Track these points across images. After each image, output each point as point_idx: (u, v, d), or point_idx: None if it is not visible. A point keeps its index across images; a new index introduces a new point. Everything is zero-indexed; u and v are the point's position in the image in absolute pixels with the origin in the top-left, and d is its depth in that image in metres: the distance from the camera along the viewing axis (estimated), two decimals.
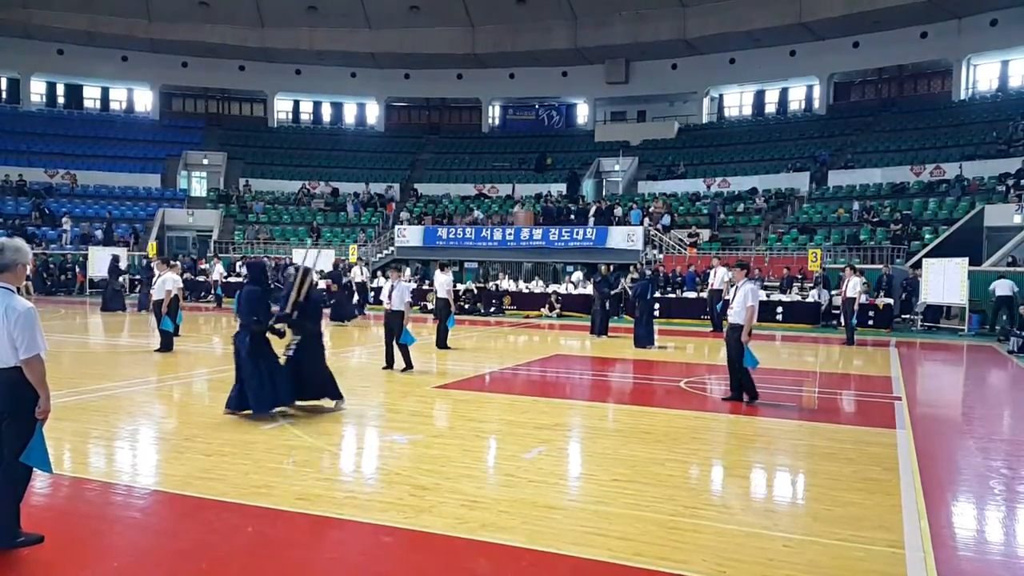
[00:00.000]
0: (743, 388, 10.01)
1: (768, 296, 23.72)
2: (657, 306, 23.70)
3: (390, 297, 12.32)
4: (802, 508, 5.97)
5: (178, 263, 17.89)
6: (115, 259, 25.30)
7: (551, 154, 42.39)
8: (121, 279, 24.81)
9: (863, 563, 4.76)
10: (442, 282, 15.59)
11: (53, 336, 16.82)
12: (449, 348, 15.43)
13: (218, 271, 28.72)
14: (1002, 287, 20.44)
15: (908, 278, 23.57)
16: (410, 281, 26.28)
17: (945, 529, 5.51)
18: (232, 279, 29.78)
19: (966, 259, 21.38)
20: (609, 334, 18.97)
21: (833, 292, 22.60)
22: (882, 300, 22.22)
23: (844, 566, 4.71)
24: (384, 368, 12.36)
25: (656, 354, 15.69)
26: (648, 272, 19.74)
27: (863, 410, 10.23)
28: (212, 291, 27.78)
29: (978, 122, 34.05)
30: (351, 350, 15.82)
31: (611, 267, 22.64)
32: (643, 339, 16.54)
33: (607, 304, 19.52)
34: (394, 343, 12.38)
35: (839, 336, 19.42)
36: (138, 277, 30.91)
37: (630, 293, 19.77)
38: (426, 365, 13.22)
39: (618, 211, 31.92)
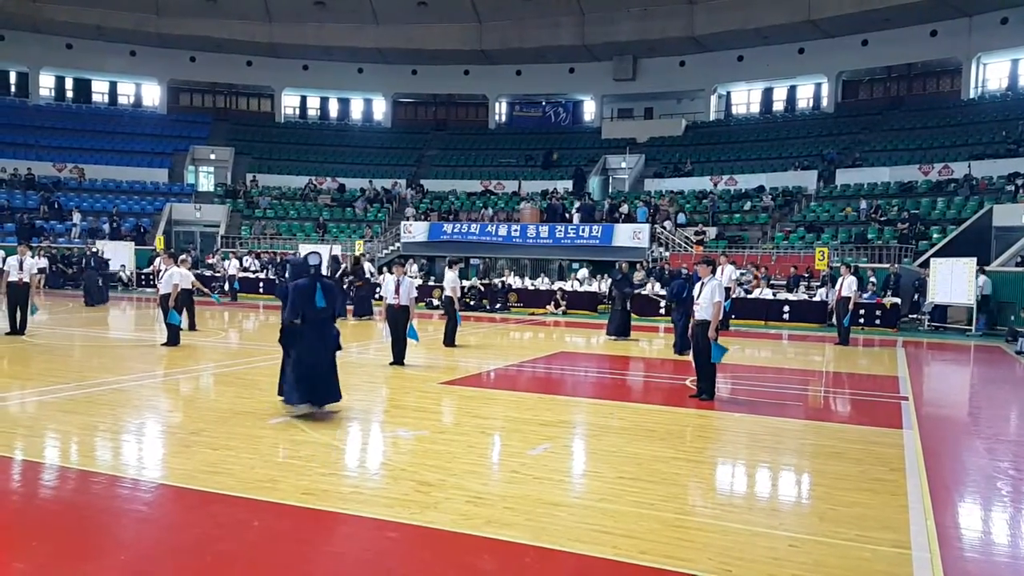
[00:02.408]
0: (703, 382, 9.96)
1: (775, 295, 23.68)
2: (663, 304, 23.73)
3: (396, 292, 12.32)
4: (808, 507, 5.96)
5: (188, 258, 18.09)
6: (98, 253, 25.91)
7: (557, 151, 42.35)
8: (123, 273, 25.19)
9: (869, 563, 4.75)
10: (449, 280, 15.32)
11: (61, 330, 16.90)
12: (457, 346, 15.25)
13: (234, 266, 28.94)
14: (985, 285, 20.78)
15: (920, 278, 23.47)
16: (416, 276, 26.37)
17: (952, 530, 5.49)
18: (247, 275, 29.99)
19: (974, 259, 21.31)
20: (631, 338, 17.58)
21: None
22: (889, 300, 22.15)
23: (850, 566, 4.69)
24: (392, 364, 12.35)
25: (661, 352, 15.67)
26: (684, 270, 18.50)
27: (869, 410, 10.19)
28: (230, 286, 27.90)
29: (987, 121, 33.91)
30: (352, 346, 15.82)
31: (630, 264, 22.16)
32: (682, 344, 14.10)
33: (628, 304, 17.69)
34: (405, 338, 12.39)
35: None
36: (147, 271, 31.12)
37: (655, 294, 19.08)
38: (431, 361, 13.23)
39: (623, 208, 31.89)
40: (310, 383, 8.35)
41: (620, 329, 17.54)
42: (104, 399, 9.09)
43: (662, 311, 22.91)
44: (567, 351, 15.99)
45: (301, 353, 8.36)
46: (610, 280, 21.36)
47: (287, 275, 10.12)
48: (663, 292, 21.46)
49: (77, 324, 18.37)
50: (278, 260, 30.70)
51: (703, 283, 10.04)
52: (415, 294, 12.72)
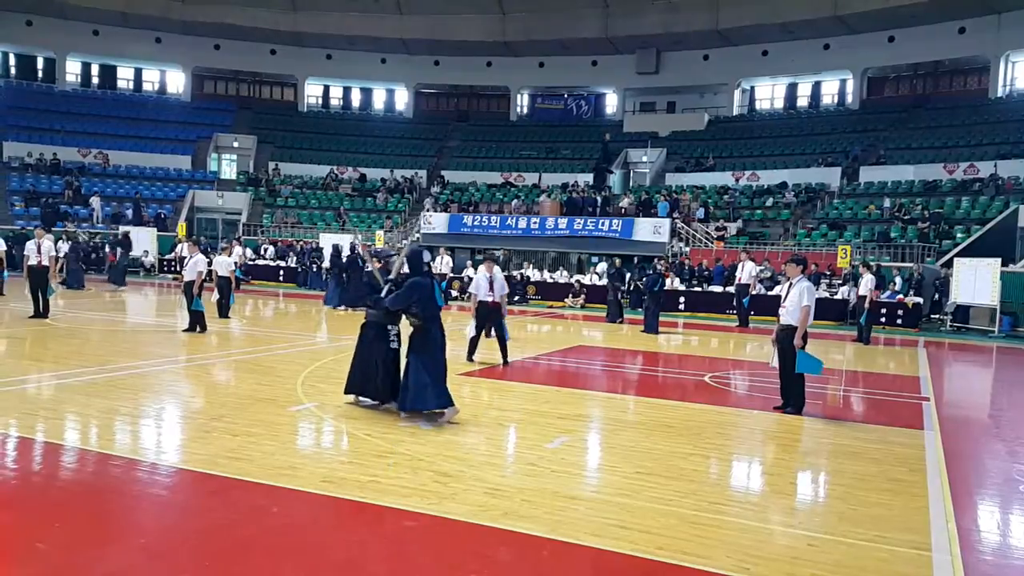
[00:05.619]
0: (792, 396, 9.14)
1: None
2: (682, 300, 23.79)
3: (491, 288, 12.05)
4: (827, 507, 5.91)
5: (236, 244, 18.61)
6: (76, 238, 26.50)
7: (577, 144, 42.12)
8: (145, 259, 25.52)
9: (888, 564, 4.71)
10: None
11: (84, 314, 17.08)
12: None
13: (237, 253, 29.00)
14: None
15: (940, 277, 23.24)
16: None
17: (972, 532, 5.43)
18: (268, 262, 30.11)
19: (998, 259, 21.06)
20: (624, 322, 20.29)
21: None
22: (911, 299, 21.93)
23: (869, 567, 4.66)
24: (468, 360, 12.12)
25: (680, 347, 15.63)
26: (659, 268, 19.97)
27: (890, 410, 10.10)
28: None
29: (1015, 120, 33.39)
30: None
31: (620, 261, 23.35)
32: (650, 327, 18.09)
33: (620, 295, 21.41)
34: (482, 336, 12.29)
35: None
36: (170, 257, 31.36)
37: (641, 286, 20.44)
38: (449, 354, 13.22)
39: (626, 201, 31.83)
40: (446, 385, 7.93)
41: (616, 316, 20.70)
42: (126, 383, 9.18)
43: (681, 306, 22.92)
44: (585, 345, 15.97)
45: (438, 353, 7.97)
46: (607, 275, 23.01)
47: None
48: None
49: (99, 309, 18.55)
50: (300, 248, 30.84)
51: (792, 284, 9.31)
52: (507, 290, 12.56)
